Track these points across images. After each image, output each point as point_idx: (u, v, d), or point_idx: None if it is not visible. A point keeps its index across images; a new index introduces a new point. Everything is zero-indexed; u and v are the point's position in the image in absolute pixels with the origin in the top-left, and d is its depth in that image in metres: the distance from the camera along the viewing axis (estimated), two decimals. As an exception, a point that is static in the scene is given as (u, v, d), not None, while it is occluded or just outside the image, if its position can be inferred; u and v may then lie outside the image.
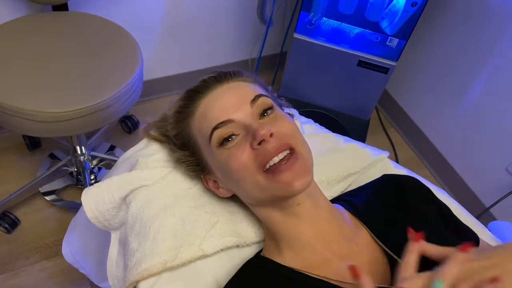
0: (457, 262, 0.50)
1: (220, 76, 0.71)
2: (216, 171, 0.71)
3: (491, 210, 1.67)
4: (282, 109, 0.77)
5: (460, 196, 1.83)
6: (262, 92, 0.70)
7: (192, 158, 0.74)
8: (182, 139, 0.74)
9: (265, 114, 0.67)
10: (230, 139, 0.65)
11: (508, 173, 1.61)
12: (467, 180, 1.78)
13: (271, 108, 0.67)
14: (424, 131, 1.95)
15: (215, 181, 0.74)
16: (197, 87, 0.71)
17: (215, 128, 0.65)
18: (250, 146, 0.63)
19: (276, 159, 0.62)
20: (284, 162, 0.61)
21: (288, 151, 0.63)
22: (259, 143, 0.62)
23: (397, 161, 1.95)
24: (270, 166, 0.62)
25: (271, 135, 0.62)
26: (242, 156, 0.63)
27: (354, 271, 0.51)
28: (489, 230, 0.97)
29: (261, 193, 0.64)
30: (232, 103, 0.66)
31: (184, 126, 0.72)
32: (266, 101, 0.67)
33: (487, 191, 1.71)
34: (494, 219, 1.67)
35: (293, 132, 0.66)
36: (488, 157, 1.68)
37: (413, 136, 2.02)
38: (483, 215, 1.67)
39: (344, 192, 0.86)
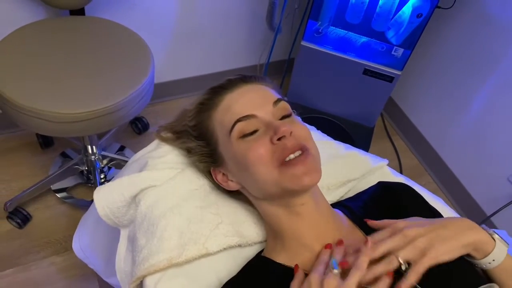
0: (364, 254, 0.61)
1: (245, 77, 0.76)
2: (230, 162, 0.74)
3: (492, 218, 1.69)
4: None
5: (461, 204, 1.85)
6: (283, 98, 0.75)
7: (206, 148, 0.77)
8: (200, 130, 0.77)
9: (284, 117, 0.72)
10: (251, 134, 0.69)
11: (510, 183, 1.63)
12: (469, 188, 1.81)
13: (290, 113, 0.73)
14: (428, 139, 1.98)
15: (224, 174, 0.77)
16: (223, 84, 0.76)
17: (238, 120, 0.69)
18: (270, 140, 0.67)
19: (292, 156, 0.66)
20: (297, 157, 0.66)
21: (301, 151, 0.67)
22: (279, 139, 0.66)
23: (400, 168, 1.98)
24: (285, 161, 0.66)
25: (290, 133, 0.67)
26: (260, 149, 0.67)
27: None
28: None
29: (272, 186, 0.68)
30: (257, 100, 0.72)
31: (205, 117, 0.76)
32: (286, 106, 0.73)
33: (488, 200, 1.73)
34: (494, 227, 1.69)
35: (308, 136, 0.71)
36: (491, 166, 1.70)
37: (417, 144, 2.04)
38: (484, 223, 1.69)
39: (343, 197, 0.89)
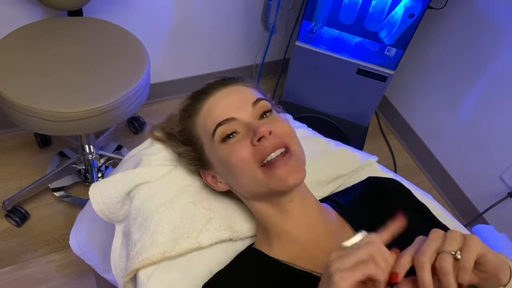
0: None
1: (225, 80, 0.78)
2: (216, 165, 0.76)
3: (484, 215, 1.71)
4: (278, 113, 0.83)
5: (455, 202, 1.87)
6: (262, 97, 0.77)
7: (193, 153, 0.80)
8: (185, 135, 0.80)
9: (264, 116, 0.73)
10: (232, 136, 0.71)
11: (501, 181, 1.65)
12: (462, 186, 1.83)
13: (270, 111, 0.74)
14: (422, 138, 2.00)
15: (213, 176, 0.79)
16: (204, 88, 0.78)
17: (219, 124, 0.71)
18: (250, 142, 0.69)
19: (273, 155, 0.67)
20: (279, 159, 0.67)
21: (283, 149, 0.68)
22: (259, 140, 0.68)
23: (395, 166, 2.00)
24: (267, 161, 0.68)
25: (270, 133, 0.68)
26: (242, 151, 0.69)
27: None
28: (474, 234, 1.02)
29: (258, 186, 0.70)
30: (236, 103, 0.73)
31: (189, 123, 0.78)
32: (266, 104, 0.74)
33: (481, 198, 1.75)
34: (486, 224, 1.71)
35: (289, 133, 0.72)
36: (483, 164, 1.72)
37: (411, 143, 2.06)
38: (476, 220, 1.72)
39: (333, 192, 0.92)
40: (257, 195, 0.73)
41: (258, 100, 0.73)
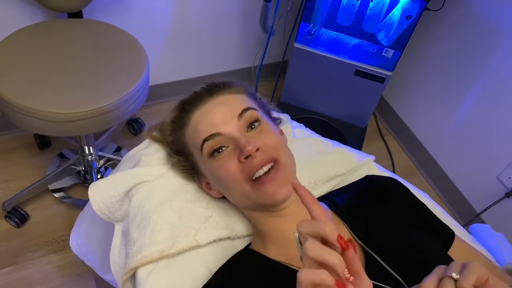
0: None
1: (211, 88, 0.77)
2: (207, 176, 0.78)
3: (482, 216, 1.72)
4: (271, 114, 0.83)
5: (453, 202, 1.88)
6: (250, 103, 0.76)
7: (186, 163, 0.82)
8: (177, 146, 0.81)
9: (253, 126, 0.73)
10: (220, 151, 0.71)
11: (499, 181, 1.66)
12: (460, 187, 1.84)
13: (257, 121, 0.73)
14: (420, 139, 2.01)
15: (207, 183, 0.81)
16: (190, 99, 0.78)
17: (205, 140, 0.72)
18: (238, 159, 0.69)
19: (261, 172, 0.68)
20: (267, 175, 0.68)
21: (271, 164, 0.69)
22: (246, 157, 0.68)
23: (393, 167, 2.01)
24: (255, 177, 0.68)
25: (257, 149, 0.68)
26: (230, 167, 0.70)
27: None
28: (471, 232, 1.03)
29: (247, 200, 0.72)
30: (221, 117, 0.73)
31: (179, 135, 0.79)
32: (253, 114, 0.73)
33: (478, 198, 1.76)
34: (483, 223, 1.72)
35: (277, 145, 0.72)
36: (481, 165, 1.73)
37: (409, 144, 2.07)
38: (474, 220, 1.73)
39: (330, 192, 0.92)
40: (249, 207, 0.74)
41: (244, 111, 0.73)
